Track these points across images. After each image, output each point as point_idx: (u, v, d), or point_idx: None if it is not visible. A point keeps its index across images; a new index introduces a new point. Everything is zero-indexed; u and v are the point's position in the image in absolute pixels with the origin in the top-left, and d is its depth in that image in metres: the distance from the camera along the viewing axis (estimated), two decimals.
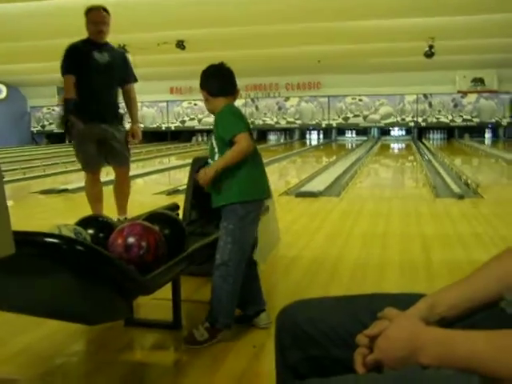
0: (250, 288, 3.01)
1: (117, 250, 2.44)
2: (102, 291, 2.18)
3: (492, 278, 1.29)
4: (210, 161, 2.91)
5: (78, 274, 2.09)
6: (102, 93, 5.05)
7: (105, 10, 5.10)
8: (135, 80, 5.38)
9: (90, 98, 5.01)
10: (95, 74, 5.02)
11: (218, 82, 2.97)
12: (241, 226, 2.83)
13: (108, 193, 5.49)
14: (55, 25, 10.64)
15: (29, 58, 15.02)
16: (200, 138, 23.43)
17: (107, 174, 6.58)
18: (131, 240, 2.45)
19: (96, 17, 5.05)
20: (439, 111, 21.87)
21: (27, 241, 2.02)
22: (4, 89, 23.54)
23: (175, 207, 3.93)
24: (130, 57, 5.56)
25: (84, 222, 2.75)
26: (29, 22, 10.54)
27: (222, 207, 2.87)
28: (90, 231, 2.65)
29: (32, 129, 25.60)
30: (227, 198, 2.85)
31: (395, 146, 20.72)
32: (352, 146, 19.97)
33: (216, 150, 2.86)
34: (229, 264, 2.82)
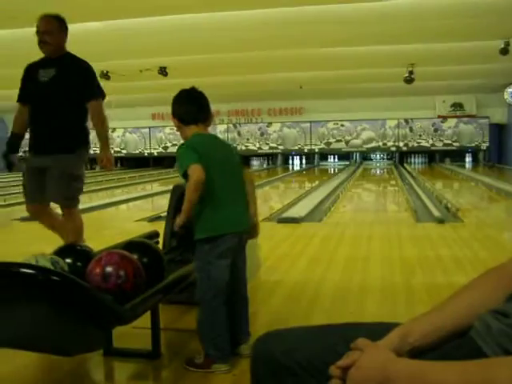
0: (238, 319, 2.97)
1: (95, 280, 2.42)
2: (79, 322, 2.16)
3: (462, 307, 1.30)
4: None
5: (55, 304, 2.07)
6: (41, 118, 4.19)
7: (55, 17, 4.24)
8: (98, 96, 4.24)
9: (31, 126, 4.28)
10: (36, 97, 4.19)
11: (190, 109, 2.88)
12: (208, 261, 2.79)
13: (84, 221, 5.29)
14: (36, 52, 10.63)
15: (9, 84, 14.97)
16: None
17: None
18: (109, 269, 2.43)
19: (38, 26, 4.21)
20: (420, 136, 22.11)
21: (3, 271, 2.01)
22: None
23: (155, 235, 3.92)
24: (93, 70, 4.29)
25: (62, 251, 2.73)
26: (6, 48, 10.52)
27: (195, 243, 2.85)
28: (68, 260, 2.63)
29: None
30: (195, 234, 2.83)
31: (377, 171, 20.88)
32: (334, 171, 20.06)
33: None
34: (204, 300, 2.81)
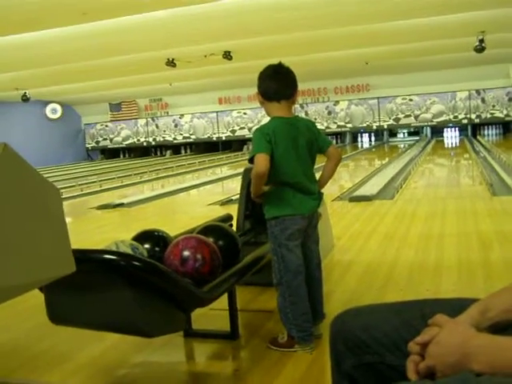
0: (311, 300, 2.94)
1: (173, 264, 2.50)
2: (159, 304, 2.24)
3: None
4: None
5: (137, 288, 2.15)
6: None
7: None
8: None
9: None
10: None
11: (273, 84, 2.82)
12: (279, 244, 2.82)
13: (157, 207, 5.46)
14: (105, 44, 10.92)
15: (81, 77, 15.43)
16: (251, 147, 23.49)
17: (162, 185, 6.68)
18: (186, 253, 2.50)
19: None
20: (493, 106, 21.35)
21: (87, 258, 2.10)
22: (59, 108, 24.26)
23: (229, 218, 3.98)
24: None
25: (140, 237, 2.82)
26: (79, 43, 10.83)
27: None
28: (147, 246, 2.72)
29: (87, 145, 26.27)
30: (265, 213, 2.89)
31: (449, 144, 20.38)
32: (404, 147, 19.69)
33: None
34: (282, 282, 2.84)
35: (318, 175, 3.01)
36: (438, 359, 1.14)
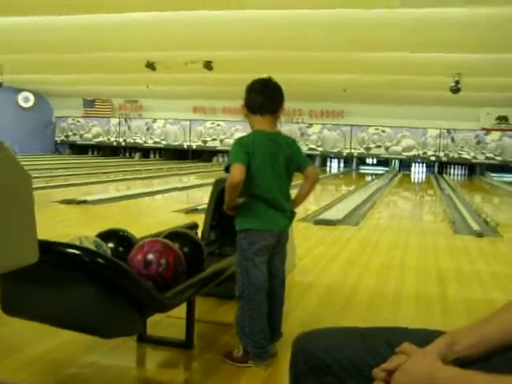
0: (270, 317, 2.92)
1: (136, 266, 2.46)
2: (119, 305, 2.19)
3: (510, 321, 1.27)
4: None
5: (97, 286, 2.11)
6: None
7: None
8: None
9: None
10: None
11: (259, 98, 2.83)
12: (245, 257, 2.81)
13: (122, 207, 5.40)
14: (85, 39, 10.82)
15: (58, 69, 15.25)
16: (221, 159, 23.47)
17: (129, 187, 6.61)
18: (151, 257, 2.46)
19: None
20: (462, 147, 21.75)
21: (50, 250, 2.05)
22: (32, 97, 23.88)
23: (194, 226, 3.95)
24: None
25: (105, 235, 2.77)
26: (60, 34, 10.71)
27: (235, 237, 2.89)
28: (110, 245, 2.67)
29: (56, 138, 25.90)
30: (236, 224, 2.88)
31: (415, 179, 20.67)
32: (372, 176, 19.89)
33: None
34: (243, 296, 2.83)
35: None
36: None
